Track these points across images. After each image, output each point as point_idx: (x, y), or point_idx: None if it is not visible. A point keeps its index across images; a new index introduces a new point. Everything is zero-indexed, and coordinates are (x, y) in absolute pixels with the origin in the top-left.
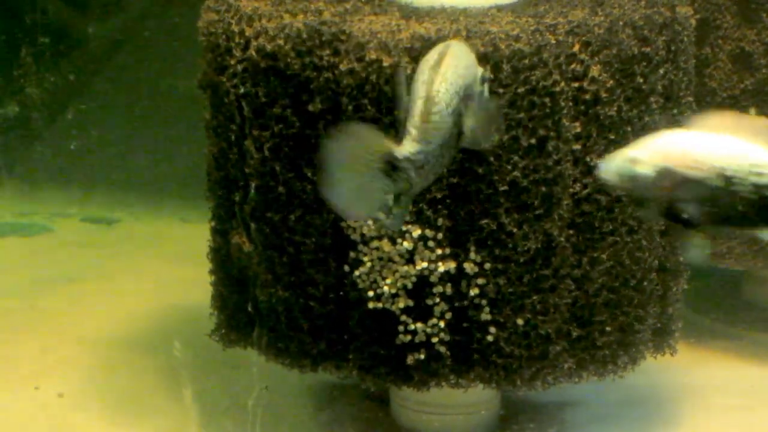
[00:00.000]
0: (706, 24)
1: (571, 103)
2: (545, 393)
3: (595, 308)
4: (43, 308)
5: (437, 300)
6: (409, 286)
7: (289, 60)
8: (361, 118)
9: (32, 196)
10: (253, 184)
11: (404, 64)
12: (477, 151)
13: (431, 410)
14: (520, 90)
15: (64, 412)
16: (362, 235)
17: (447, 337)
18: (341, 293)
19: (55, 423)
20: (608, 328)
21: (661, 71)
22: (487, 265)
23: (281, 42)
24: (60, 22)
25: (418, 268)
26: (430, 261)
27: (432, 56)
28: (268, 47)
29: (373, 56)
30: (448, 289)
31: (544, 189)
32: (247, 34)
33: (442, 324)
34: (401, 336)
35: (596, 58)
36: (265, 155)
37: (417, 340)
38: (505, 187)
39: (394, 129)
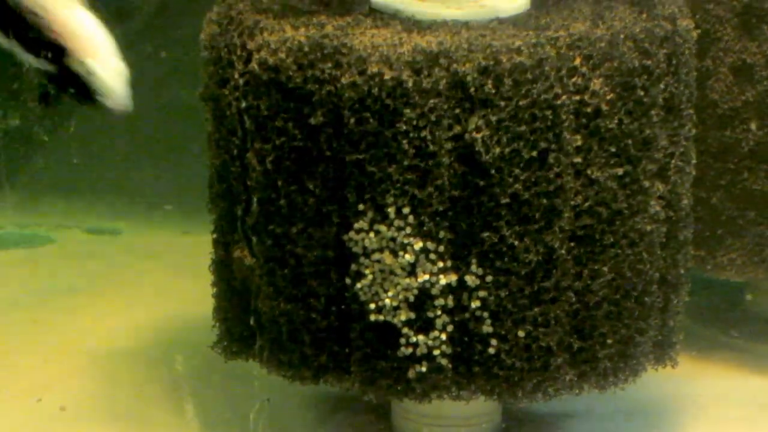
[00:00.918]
0: (707, 36)
1: (572, 116)
2: (547, 405)
3: (596, 320)
4: (45, 320)
5: (439, 312)
6: (411, 298)
7: (290, 73)
8: (362, 131)
9: (34, 208)
10: (255, 197)
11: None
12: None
13: (433, 422)
14: (522, 103)
15: (66, 425)
16: (364, 247)
17: (448, 350)
18: (343, 306)
19: None
20: (609, 341)
21: (662, 84)
22: (489, 278)
23: (283, 55)
24: None
25: (420, 280)
26: (431, 273)
27: None
28: (270, 60)
29: (375, 69)
30: (450, 302)
31: (545, 201)
32: (249, 47)
33: (443, 336)
34: (403, 348)
35: (597, 71)
36: (267, 168)
37: (418, 352)
38: (507, 200)
39: (395, 142)
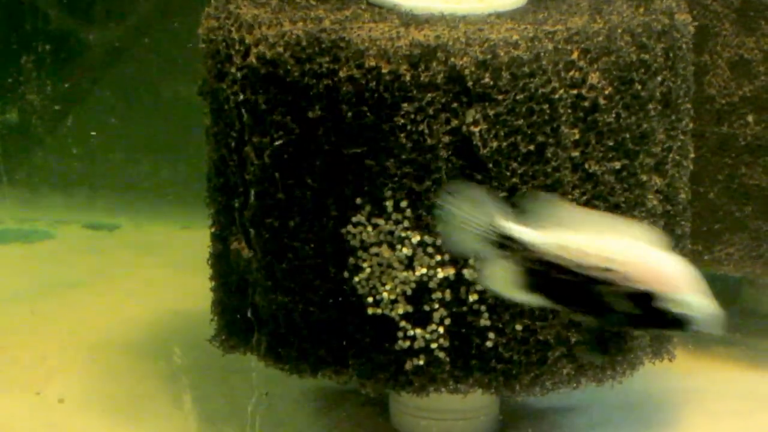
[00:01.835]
0: (705, 31)
1: (569, 110)
2: (545, 398)
3: None
4: (45, 314)
5: (436, 306)
6: (409, 292)
7: (288, 67)
8: (360, 125)
9: (34, 203)
10: (252, 191)
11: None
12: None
13: (430, 416)
14: (519, 97)
15: (65, 418)
16: (362, 241)
17: (446, 343)
18: (340, 299)
19: (56, 428)
20: (607, 334)
21: (660, 78)
22: None
23: (281, 49)
24: (61, 28)
25: (418, 274)
26: (429, 267)
27: None
28: (268, 54)
29: (373, 63)
30: (447, 295)
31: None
32: (247, 41)
33: (441, 330)
34: (400, 342)
35: (595, 65)
36: (265, 162)
37: (416, 345)
38: (504, 194)
39: (393, 136)
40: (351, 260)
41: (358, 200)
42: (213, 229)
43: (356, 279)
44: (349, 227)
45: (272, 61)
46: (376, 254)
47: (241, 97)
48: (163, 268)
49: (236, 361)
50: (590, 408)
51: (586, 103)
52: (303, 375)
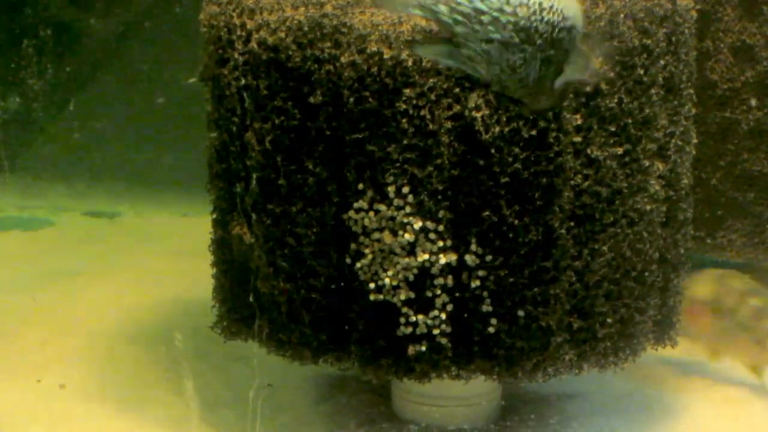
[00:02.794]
0: (707, 16)
1: (571, 95)
2: (546, 384)
3: (596, 300)
4: (45, 301)
5: (438, 292)
6: (411, 278)
7: (290, 52)
8: (362, 110)
9: (34, 190)
10: (254, 177)
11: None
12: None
13: (432, 402)
14: None
15: (66, 404)
16: (364, 227)
17: (448, 329)
18: (342, 285)
19: (57, 415)
20: (609, 320)
21: (662, 63)
22: (488, 257)
23: (282, 34)
24: (62, 15)
25: (420, 260)
26: (431, 253)
27: None
28: (270, 40)
29: (374, 48)
30: (450, 281)
31: (544, 181)
32: (248, 26)
33: (443, 316)
34: (402, 328)
35: (597, 50)
36: (267, 147)
37: (418, 332)
38: (506, 179)
39: (395, 121)
40: (353, 246)
41: (360, 186)
42: (214, 216)
43: (358, 265)
44: (351, 213)
45: (274, 46)
46: (378, 240)
47: (243, 82)
48: (164, 255)
49: (237, 347)
50: (592, 394)
51: (588, 88)
52: (304, 361)
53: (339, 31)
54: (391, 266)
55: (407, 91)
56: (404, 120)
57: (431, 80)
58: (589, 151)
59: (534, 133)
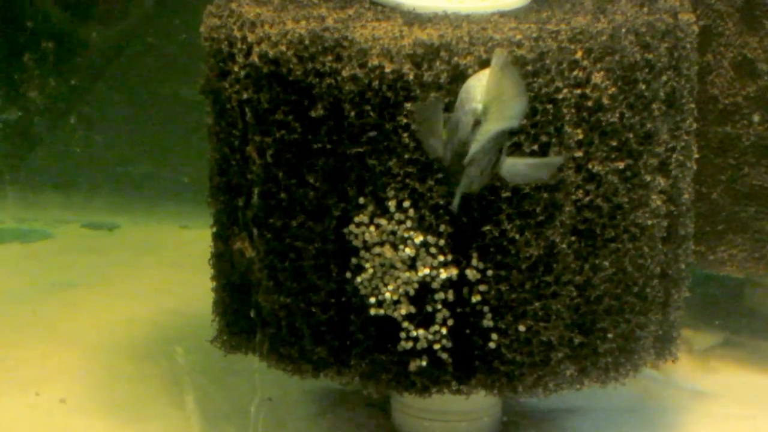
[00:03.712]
0: (708, 31)
1: (573, 110)
2: (547, 400)
3: (597, 315)
4: (44, 314)
5: (439, 306)
6: (411, 292)
7: (291, 66)
8: (363, 124)
9: (33, 203)
10: (255, 190)
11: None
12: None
13: (433, 417)
14: None
15: (66, 418)
16: (364, 241)
17: (449, 344)
18: (343, 299)
19: (57, 429)
20: (610, 335)
21: (664, 78)
22: (489, 272)
23: (283, 48)
24: (62, 27)
25: (420, 274)
26: (432, 267)
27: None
28: (271, 53)
29: (376, 62)
30: (450, 296)
31: (546, 196)
32: (249, 39)
33: (444, 331)
34: (403, 342)
35: (599, 65)
36: (267, 161)
37: (419, 346)
38: (508, 194)
39: (396, 135)
40: (353, 260)
41: (361, 200)
42: (214, 229)
43: (359, 279)
44: (352, 227)
45: (275, 59)
46: (379, 254)
47: (244, 95)
48: (163, 267)
49: (237, 361)
50: (593, 410)
51: (590, 103)
52: (305, 376)
53: (340, 45)
54: (392, 280)
55: (408, 105)
56: (405, 134)
57: (433, 94)
58: (590, 166)
59: (535, 147)
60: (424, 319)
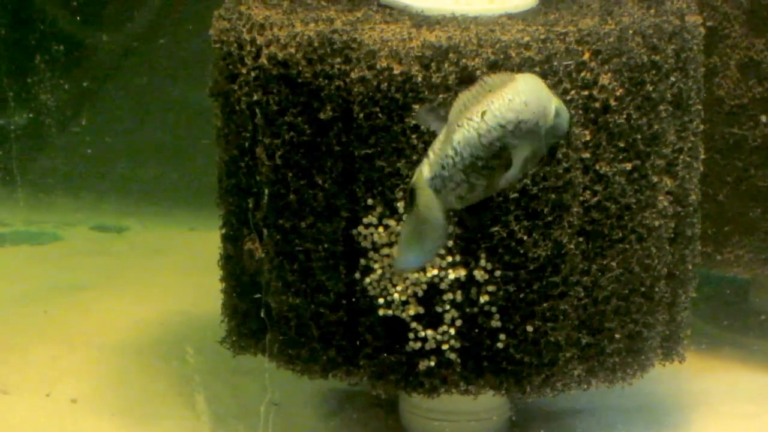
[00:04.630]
0: (715, 33)
1: (581, 111)
2: (555, 400)
3: (604, 315)
4: (54, 316)
5: (447, 307)
6: (420, 293)
7: (300, 68)
8: (371, 126)
9: (42, 205)
10: (265, 192)
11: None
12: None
13: (441, 417)
14: None
15: (76, 418)
16: (373, 242)
17: (457, 344)
18: (352, 300)
19: (68, 429)
20: (617, 336)
21: (671, 80)
22: (497, 273)
23: (293, 50)
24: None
25: (429, 275)
26: (440, 268)
27: (493, 81)
28: (280, 55)
29: (384, 64)
30: (459, 297)
31: (553, 197)
32: (258, 42)
33: (452, 331)
34: (411, 343)
35: (606, 67)
36: (277, 163)
37: (427, 347)
38: (516, 195)
39: (405, 137)
40: (362, 261)
41: (370, 201)
42: (224, 231)
43: (367, 280)
44: (361, 228)
45: (284, 62)
46: (387, 255)
47: (253, 98)
48: (172, 269)
49: (247, 362)
50: (601, 410)
51: (598, 105)
52: (314, 376)
53: (349, 47)
54: (401, 281)
55: (417, 106)
56: (414, 135)
57: (441, 96)
58: (597, 167)
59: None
60: (432, 320)
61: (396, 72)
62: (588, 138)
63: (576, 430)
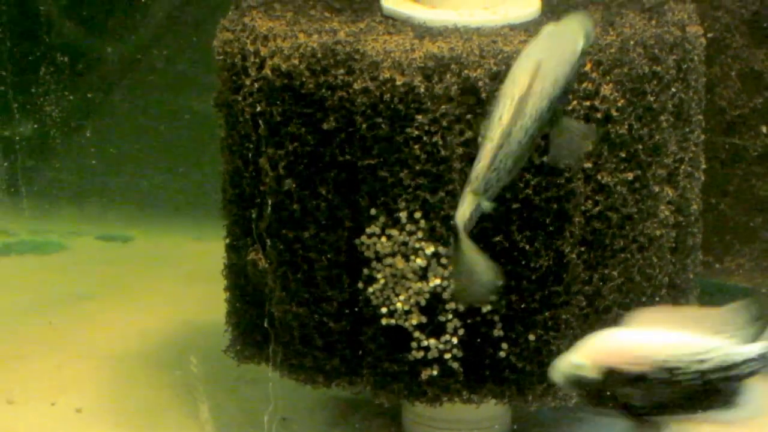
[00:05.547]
0: (716, 44)
1: (582, 122)
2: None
3: (606, 324)
4: (59, 325)
5: (450, 316)
6: (423, 302)
7: (303, 79)
8: (374, 136)
9: (47, 215)
10: (268, 202)
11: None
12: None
13: (443, 426)
14: None
15: (81, 428)
16: (376, 252)
17: (459, 354)
18: (355, 310)
19: None
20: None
21: (672, 90)
22: (500, 282)
23: (296, 61)
24: (77, 41)
25: (431, 284)
26: (443, 278)
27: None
28: (283, 66)
29: (387, 75)
30: (461, 306)
31: (555, 206)
32: (262, 53)
33: (454, 340)
34: (414, 352)
35: (608, 77)
36: (280, 173)
37: (430, 356)
38: (518, 205)
39: (407, 147)
40: (365, 271)
41: (373, 211)
42: (228, 240)
43: (370, 290)
44: (364, 238)
45: (287, 72)
46: (390, 265)
47: (257, 108)
48: (177, 279)
49: (250, 371)
50: (602, 419)
51: (599, 115)
52: (317, 385)
53: (352, 58)
54: (403, 291)
55: (419, 117)
56: (416, 146)
57: (443, 107)
58: (599, 177)
59: (545, 159)
60: (435, 329)
61: (399, 83)
62: (590, 148)
63: None
